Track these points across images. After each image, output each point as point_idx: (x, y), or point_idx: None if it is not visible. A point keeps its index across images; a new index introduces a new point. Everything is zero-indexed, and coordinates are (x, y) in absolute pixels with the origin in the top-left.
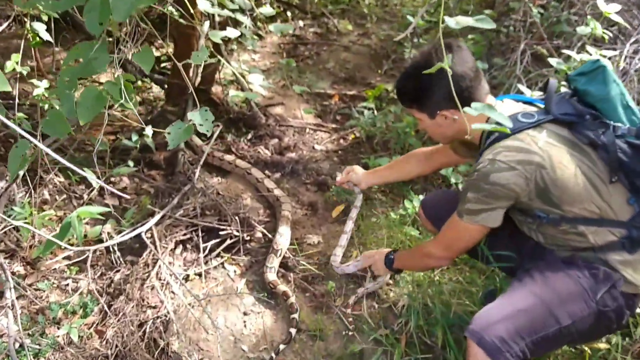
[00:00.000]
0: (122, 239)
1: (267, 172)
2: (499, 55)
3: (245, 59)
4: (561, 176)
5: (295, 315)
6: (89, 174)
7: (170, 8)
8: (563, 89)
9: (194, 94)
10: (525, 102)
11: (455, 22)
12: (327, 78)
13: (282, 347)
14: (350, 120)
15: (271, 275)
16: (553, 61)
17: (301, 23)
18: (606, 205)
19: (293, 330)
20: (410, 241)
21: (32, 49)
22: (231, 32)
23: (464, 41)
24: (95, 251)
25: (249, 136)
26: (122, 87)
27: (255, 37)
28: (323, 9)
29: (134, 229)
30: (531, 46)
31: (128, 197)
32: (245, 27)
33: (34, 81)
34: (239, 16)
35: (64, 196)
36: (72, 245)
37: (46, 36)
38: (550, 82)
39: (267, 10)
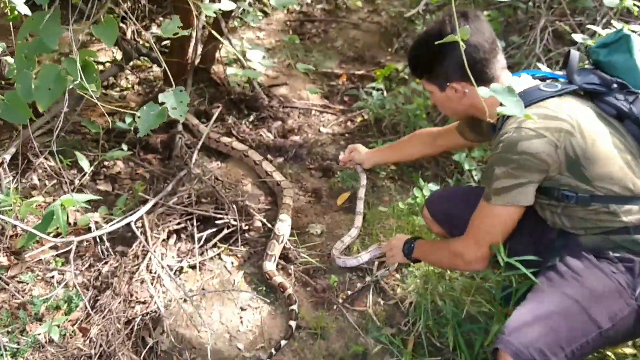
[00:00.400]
0: (109, 230)
1: (269, 156)
2: (516, 33)
3: (249, 36)
4: (592, 147)
5: (295, 307)
6: (80, 158)
7: None
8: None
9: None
10: (543, 79)
11: None
12: (334, 57)
13: (283, 342)
14: (358, 102)
15: (269, 265)
16: (577, 37)
17: None
18: (639, 181)
19: (293, 323)
20: (419, 232)
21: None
22: (226, 4)
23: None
24: (83, 241)
25: (251, 118)
26: (79, 65)
27: (260, 13)
28: None
29: (122, 219)
30: (552, 23)
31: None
32: (246, 1)
33: (7, 58)
34: None
35: (54, 181)
36: (59, 235)
37: (25, 10)
38: (571, 53)
39: None
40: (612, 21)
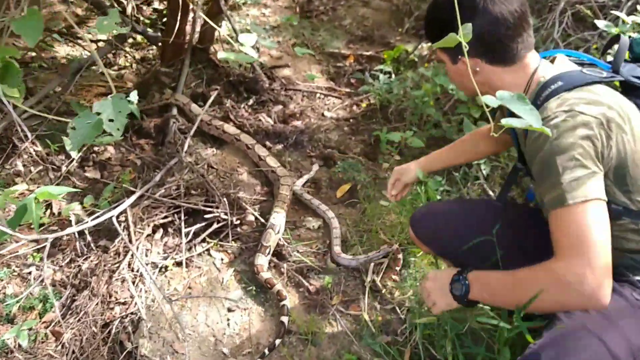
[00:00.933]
0: (88, 226)
1: (267, 143)
2: (534, 14)
3: (254, 14)
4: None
5: (286, 302)
6: (68, 144)
7: None
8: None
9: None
10: (581, 63)
11: None
12: (342, 37)
13: (277, 342)
14: (364, 86)
15: (261, 258)
16: (600, 23)
17: None
18: None
19: (285, 319)
20: None
21: None
22: None
23: None
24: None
25: (250, 102)
26: None
27: None
28: None
29: (104, 212)
30: (572, 5)
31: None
32: None
33: None
34: None
35: (40, 167)
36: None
37: None
38: (621, 40)
39: None
40: (639, 7)
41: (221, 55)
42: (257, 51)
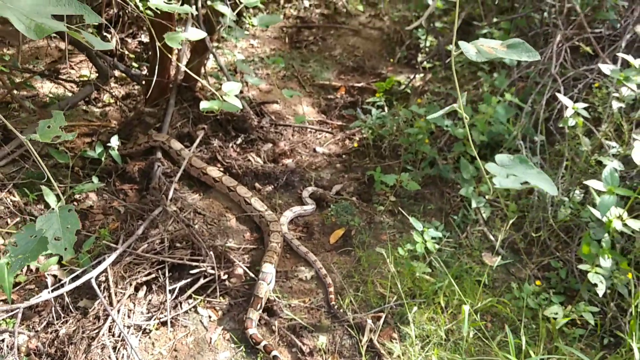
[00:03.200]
0: (62, 290)
1: (257, 184)
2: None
3: (243, 46)
4: None
5: (276, 353)
6: (47, 194)
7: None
8: (616, 104)
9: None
10: None
11: (474, 50)
12: (333, 67)
13: None
14: (356, 121)
15: (251, 315)
16: (605, 68)
17: (306, 3)
18: None
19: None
20: (420, 282)
21: None
22: (193, 34)
23: (491, 28)
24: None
25: (239, 141)
26: None
27: (251, 23)
28: None
29: (82, 272)
30: (569, 38)
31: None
32: (229, 18)
33: None
34: (220, 6)
35: (17, 219)
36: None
37: None
38: None
39: (250, 0)
40: None
41: (204, 105)
42: (245, 85)
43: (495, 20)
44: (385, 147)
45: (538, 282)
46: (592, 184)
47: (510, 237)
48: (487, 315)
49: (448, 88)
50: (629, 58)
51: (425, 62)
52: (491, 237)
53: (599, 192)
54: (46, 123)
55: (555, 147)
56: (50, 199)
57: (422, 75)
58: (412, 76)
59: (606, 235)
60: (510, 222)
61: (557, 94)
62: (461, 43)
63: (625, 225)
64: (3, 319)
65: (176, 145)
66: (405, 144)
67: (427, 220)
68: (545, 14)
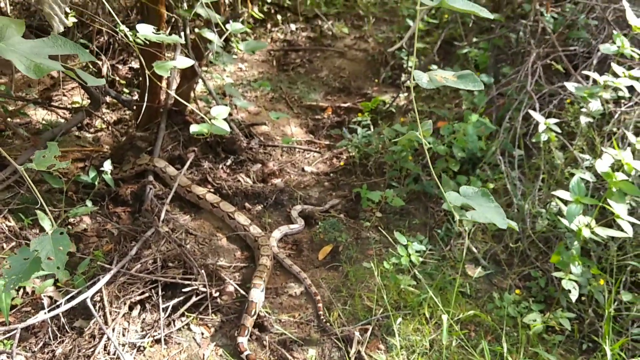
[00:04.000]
0: (58, 311)
1: (247, 204)
2: (508, 64)
3: (231, 70)
4: None
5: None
6: (42, 218)
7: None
8: (584, 119)
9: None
10: None
11: (427, 79)
12: (320, 88)
13: None
14: (342, 141)
15: (242, 335)
16: (570, 86)
17: (293, 27)
18: None
19: None
20: (405, 294)
21: None
22: (182, 62)
23: (471, 47)
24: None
25: (229, 162)
26: None
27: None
28: (317, 10)
29: (78, 292)
30: (544, 56)
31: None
32: (215, 45)
33: None
34: (207, 33)
35: (13, 244)
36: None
37: None
38: None
39: (236, 26)
40: (613, 64)
41: (193, 129)
42: (235, 108)
43: (475, 40)
44: (371, 165)
45: (518, 291)
46: (560, 194)
47: (492, 249)
48: (470, 325)
49: (432, 106)
50: (595, 75)
51: (408, 82)
52: (474, 249)
53: (567, 202)
54: (41, 153)
55: (532, 160)
56: (45, 223)
57: (406, 94)
58: (396, 95)
59: (576, 242)
60: (490, 234)
61: (530, 111)
62: (416, 72)
63: (593, 232)
64: (0, 341)
65: (169, 169)
66: (390, 161)
67: (412, 235)
68: (521, 33)
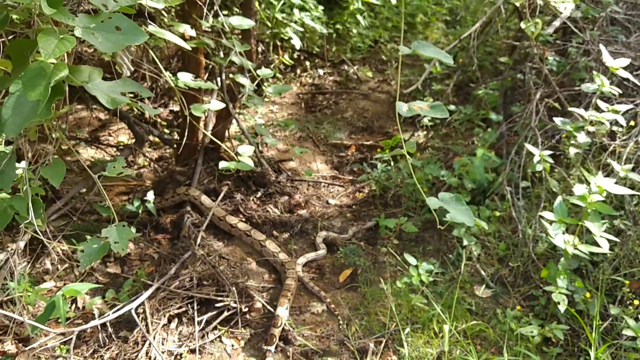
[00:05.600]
0: (109, 319)
1: (274, 232)
2: (516, 103)
3: (263, 111)
4: None
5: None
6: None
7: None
8: (573, 150)
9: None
10: None
11: (406, 108)
12: (344, 128)
13: None
14: (362, 175)
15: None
16: (558, 121)
17: (321, 72)
18: None
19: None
20: (417, 313)
21: None
22: (215, 105)
23: (485, 88)
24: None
25: (259, 194)
26: (30, 202)
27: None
28: (343, 56)
29: (123, 306)
30: (549, 95)
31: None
32: (249, 88)
33: None
34: (240, 79)
35: (66, 265)
36: (68, 319)
37: None
38: None
39: (265, 72)
40: (598, 101)
41: (222, 165)
42: (265, 146)
43: (490, 81)
44: (390, 197)
45: (519, 308)
46: (545, 215)
47: (498, 273)
48: (476, 339)
49: (448, 144)
50: (581, 111)
51: (427, 121)
52: (482, 272)
53: (551, 222)
54: (112, 164)
55: (535, 190)
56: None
57: (424, 132)
58: (415, 134)
59: (562, 259)
60: (497, 258)
61: (526, 144)
62: (398, 103)
63: (576, 248)
64: (58, 346)
65: (206, 201)
66: (407, 193)
67: (426, 259)
68: (527, 75)
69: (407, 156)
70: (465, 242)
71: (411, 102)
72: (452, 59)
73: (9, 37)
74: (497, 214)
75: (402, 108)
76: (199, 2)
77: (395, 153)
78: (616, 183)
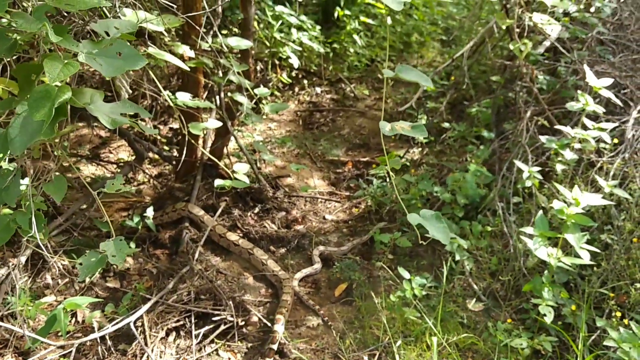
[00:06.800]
0: (107, 332)
1: (272, 247)
2: (508, 121)
3: (261, 129)
4: None
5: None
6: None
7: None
8: (560, 166)
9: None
10: None
11: (389, 128)
12: (341, 145)
13: None
14: (358, 191)
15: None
16: (543, 139)
17: (318, 89)
18: None
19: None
20: (410, 326)
21: None
22: (212, 124)
23: (479, 106)
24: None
25: (256, 210)
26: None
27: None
28: (340, 74)
29: (121, 320)
30: (539, 113)
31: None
32: (246, 106)
33: None
34: (238, 97)
35: (67, 280)
36: (68, 332)
37: None
38: None
39: (263, 91)
40: (584, 119)
41: (218, 183)
42: (263, 162)
43: (483, 99)
44: (386, 212)
45: (509, 320)
46: (526, 229)
47: (490, 287)
48: (468, 352)
49: (443, 160)
50: (568, 129)
51: (422, 138)
52: (474, 286)
53: (532, 236)
54: (111, 181)
55: (525, 205)
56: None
57: (419, 149)
58: (410, 150)
59: (546, 271)
60: (489, 272)
61: (516, 161)
62: (381, 123)
63: (559, 260)
64: (58, 359)
65: (207, 219)
66: (401, 209)
67: (420, 274)
68: (519, 94)
69: (391, 173)
70: (457, 257)
71: (394, 122)
72: (431, 82)
73: (14, 59)
74: (489, 229)
75: (385, 127)
76: (196, 26)
77: (377, 170)
78: (603, 198)
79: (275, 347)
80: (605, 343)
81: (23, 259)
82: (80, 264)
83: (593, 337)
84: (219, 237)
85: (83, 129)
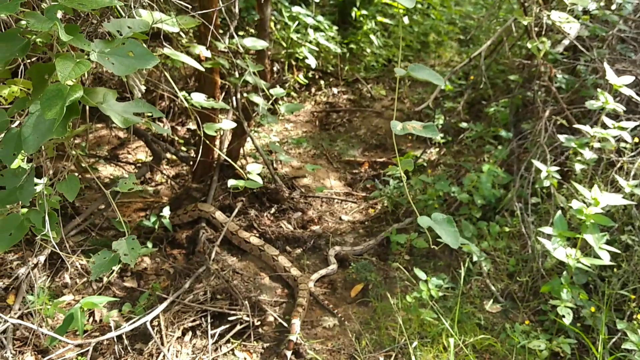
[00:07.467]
0: (124, 331)
1: (287, 247)
2: (527, 121)
3: (278, 129)
4: None
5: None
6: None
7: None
8: (579, 166)
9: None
10: None
11: (400, 127)
12: (358, 145)
13: None
14: (375, 192)
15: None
16: (562, 138)
17: (335, 90)
18: None
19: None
20: (427, 327)
21: None
22: (226, 124)
23: (497, 106)
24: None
25: (272, 210)
26: (46, 216)
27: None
28: (357, 75)
29: (138, 319)
30: (558, 112)
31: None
32: (263, 107)
33: None
34: (254, 98)
35: (84, 279)
36: (85, 332)
37: None
38: None
39: (278, 91)
40: (604, 118)
41: (231, 183)
42: (279, 163)
43: (501, 99)
44: (403, 213)
45: (527, 322)
46: (544, 229)
47: (508, 288)
48: (485, 354)
49: (460, 160)
50: (587, 128)
51: (439, 138)
52: (492, 287)
53: (550, 236)
54: (124, 180)
55: (544, 205)
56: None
57: (437, 149)
58: (427, 150)
59: (565, 272)
60: (507, 273)
61: (533, 161)
62: (393, 122)
63: (578, 261)
64: (75, 357)
65: (221, 217)
66: (418, 209)
67: (437, 275)
68: (537, 93)
69: (403, 175)
70: (475, 258)
71: (406, 122)
72: (443, 81)
73: (31, 60)
74: (507, 229)
75: (397, 127)
76: (212, 27)
77: (393, 171)
78: (623, 198)
79: (289, 354)
80: (624, 346)
81: (42, 259)
82: (93, 262)
83: (613, 340)
84: (231, 235)
85: (102, 130)
